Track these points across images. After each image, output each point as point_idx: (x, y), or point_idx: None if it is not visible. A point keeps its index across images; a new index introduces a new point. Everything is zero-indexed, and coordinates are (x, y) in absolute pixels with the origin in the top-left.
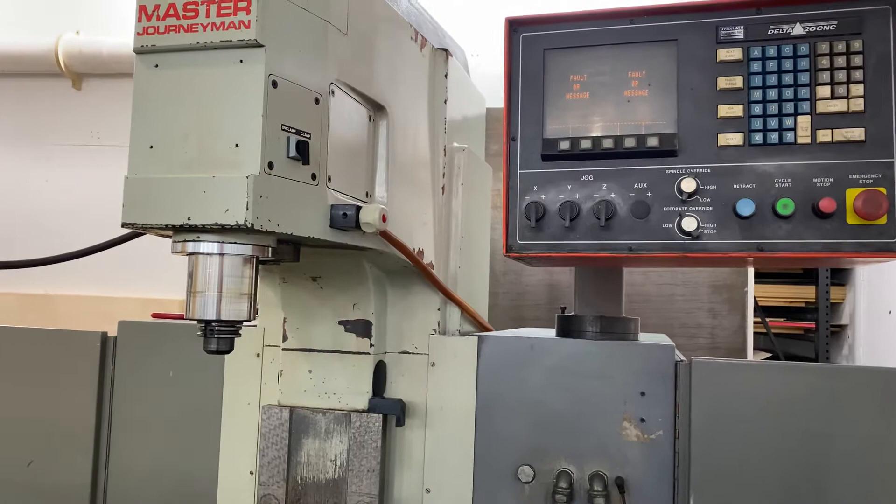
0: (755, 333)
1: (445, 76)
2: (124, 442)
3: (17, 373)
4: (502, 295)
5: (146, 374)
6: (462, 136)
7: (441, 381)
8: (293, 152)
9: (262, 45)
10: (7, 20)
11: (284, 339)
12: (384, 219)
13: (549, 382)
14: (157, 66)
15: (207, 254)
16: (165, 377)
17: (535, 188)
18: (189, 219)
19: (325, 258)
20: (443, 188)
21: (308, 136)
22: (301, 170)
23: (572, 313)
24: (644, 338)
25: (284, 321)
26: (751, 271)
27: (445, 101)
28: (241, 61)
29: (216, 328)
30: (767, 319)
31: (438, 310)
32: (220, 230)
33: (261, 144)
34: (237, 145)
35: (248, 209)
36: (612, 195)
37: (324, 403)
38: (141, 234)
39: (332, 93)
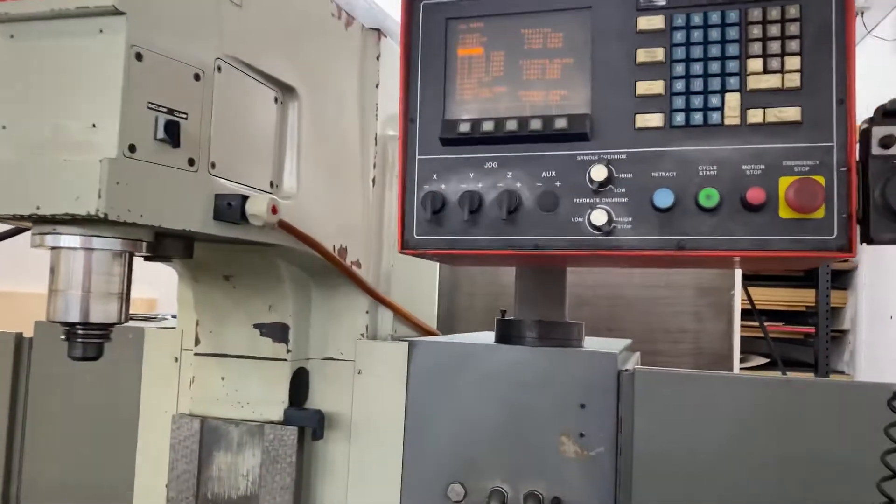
0: (753, 338)
1: (377, 58)
2: (39, 452)
3: None
4: (479, 297)
5: (63, 379)
6: None
7: (368, 390)
8: (161, 134)
9: (122, 13)
10: None
11: (197, 342)
12: (274, 210)
13: (484, 393)
14: (12, 36)
15: (68, 248)
16: (84, 383)
17: (435, 177)
18: (38, 208)
19: (237, 255)
20: (373, 180)
21: (184, 115)
22: (173, 154)
23: (511, 317)
24: (593, 344)
25: (197, 323)
26: (738, 273)
27: (377, 86)
28: (101, 31)
29: (81, 332)
30: (766, 323)
31: (367, 312)
32: (78, 221)
33: (119, 124)
34: (94, 125)
35: (100, 197)
36: (518, 185)
37: (237, 413)
38: (26, 229)
39: (219, 69)
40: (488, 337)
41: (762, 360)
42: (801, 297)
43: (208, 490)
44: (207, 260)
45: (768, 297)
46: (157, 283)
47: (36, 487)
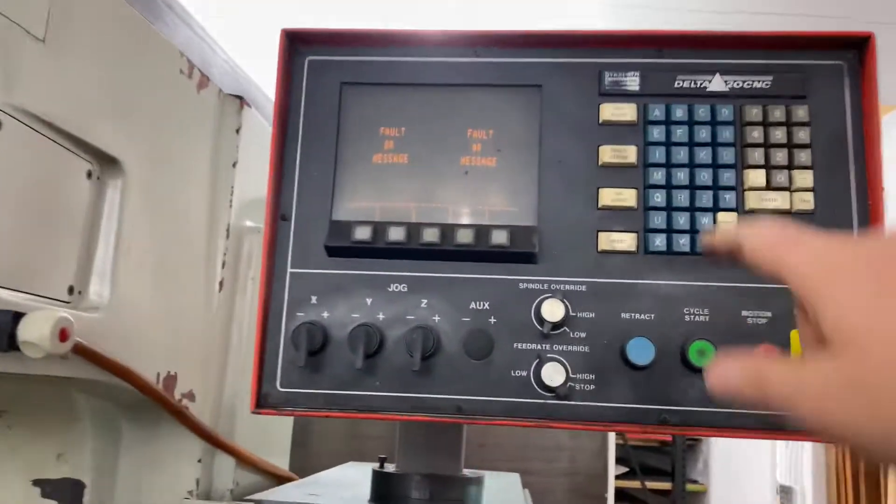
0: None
1: (237, 131)
2: None
3: None
4: (335, 421)
5: None
6: (262, 217)
7: None
8: None
9: None
10: None
11: None
12: (63, 335)
13: None
14: None
15: None
16: None
17: (314, 300)
18: None
19: (13, 384)
20: (220, 283)
21: None
22: None
23: (393, 468)
24: (493, 488)
25: None
26: None
27: (234, 164)
28: None
29: None
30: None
31: (199, 461)
32: None
33: None
34: None
35: None
36: (436, 318)
37: None
38: None
39: (0, 124)
40: (366, 481)
41: (622, 469)
42: None
43: None
44: None
45: None
46: None
47: None
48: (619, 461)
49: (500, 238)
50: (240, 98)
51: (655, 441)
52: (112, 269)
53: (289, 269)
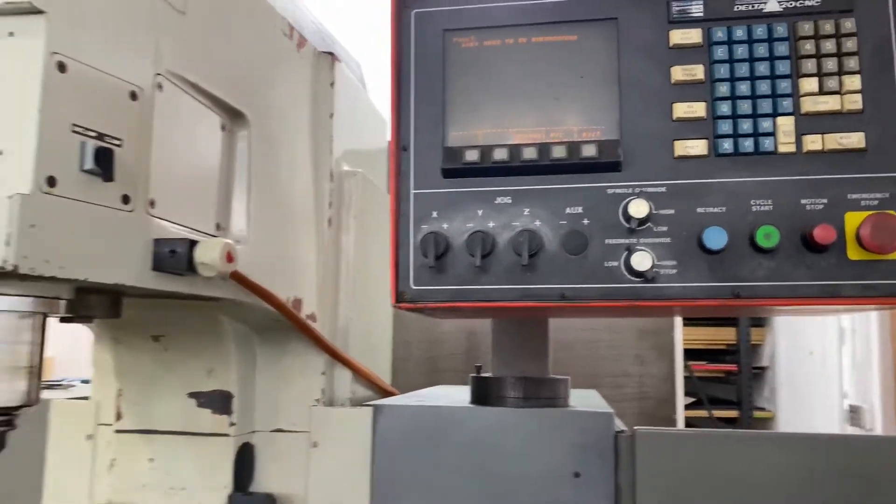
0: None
1: (331, 85)
2: None
3: None
4: (415, 345)
5: None
6: (356, 161)
7: (325, 466)
8: (90, 163)
9: (41, 11)
10: None
11: (118, 417)
12: (230, 257)
13: (463, 462)
14: None
15: None
16: None
17: (435, 214)
18: None
19: (170, 311)
20: (329, 220)
21: (118, 142)
22: (104, 189)
23: (489, 373)
24: (574, 398)
25: (119, 394)
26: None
27: (332, 116)
28: (12, 34)
29: None
30: (689, 362)
31: (323, 374)
32: None
33: (35, 151)
34: (1, 152)
35: (9, 244)
36: (537, 223)
37: (169, 502)
38: None
39: (160, 87)
40: (458, 395)
41: (688, 400)
42: (722, 336)
43: None
44: (132, 318)
45: (691, 336)
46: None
47: None
48: (686, 393)
49: (589, 151)
50: (331, 55)
51: (721, 372)
52: (247, 208)
53: (412, 191)
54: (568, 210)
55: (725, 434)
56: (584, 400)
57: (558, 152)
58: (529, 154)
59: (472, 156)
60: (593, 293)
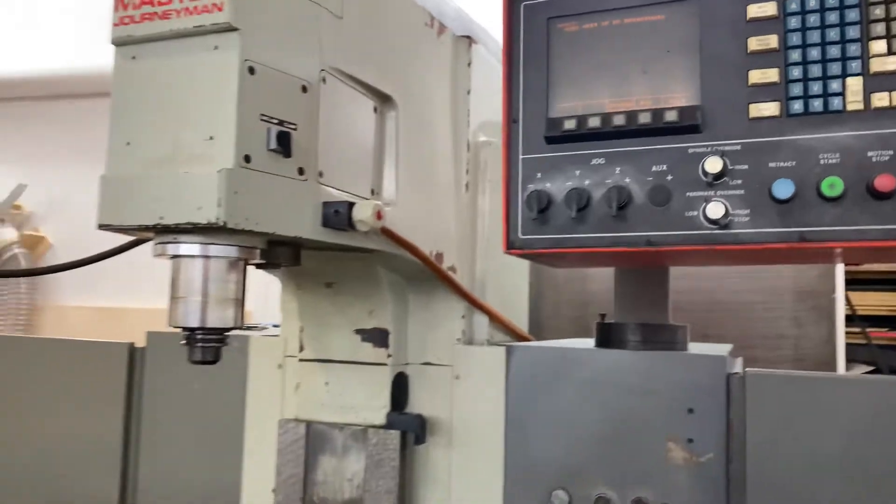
0: (855, 345)
1: (468, 65)
2: (151, 456)
3: (42, 385)
4: (565, 304)
5: (174, 387)
6: (492, 131)
7: (466, 395)
8: (274, 144)
9: (235, 29)
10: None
11: (301, 349)
12: (379, 216)
13: (586, 397)
14: (134, 57)
15: (188, 256)
16: (193, 390)
17: (539, 175)
18: (162, 218)
19: (339, 262)
20: (466, 185)
21: (293, 126)
22: (285, 163)
23: (612, 321)
24: (697, 348)
25: (301, 330)
26: (840, 275)
27: (469, 92)
28: (216, 48)
29: (200, 337)
30: (869, 329)
31: (463, 317)
32: (197, 230)
33: (235, 136)
34: (211, 138)
35: (220, 206)
36: (627, 180)
37: (341, 418)
38: (146, 241)
39: (324, 80)
40: (585, 343)
41: (866, 368)
42: None
43: (314, 494)
44: (310, 268)
45: (870, 301)
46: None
47: (150, 489)
48: (864, 362)
49: (671, 116)
50: (468, 38)
51: None
52: (395, 175)
53: (520, 156)
54: (654, 168)
55: (829, 377)
56: (707, 348)
57: (644, 118)
58: (619, 121)
59: (570, 124)
60: (675, 239)
